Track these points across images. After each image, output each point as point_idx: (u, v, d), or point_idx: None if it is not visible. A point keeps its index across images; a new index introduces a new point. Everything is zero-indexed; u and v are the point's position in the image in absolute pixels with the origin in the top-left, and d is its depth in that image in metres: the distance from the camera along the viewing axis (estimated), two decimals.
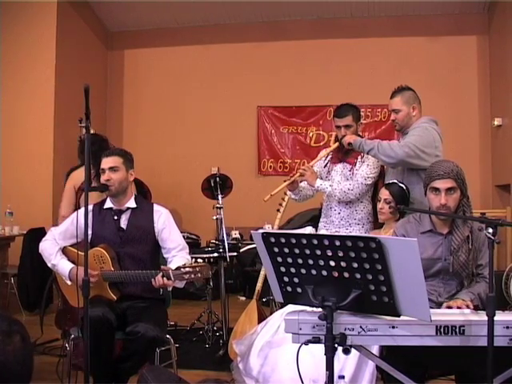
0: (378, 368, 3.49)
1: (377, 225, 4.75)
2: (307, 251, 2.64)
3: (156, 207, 4.31)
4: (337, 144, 4.95)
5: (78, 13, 9.12)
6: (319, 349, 2.63)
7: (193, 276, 3.77)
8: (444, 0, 8.76)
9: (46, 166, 8.19)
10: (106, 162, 4.18)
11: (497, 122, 8.26)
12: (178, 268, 3.79)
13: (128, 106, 10.23)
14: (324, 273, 2.65)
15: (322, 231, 4.94)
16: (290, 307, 3.11)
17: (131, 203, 4.24)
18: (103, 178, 4.16)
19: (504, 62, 7.91)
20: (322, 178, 5.03)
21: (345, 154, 4.97)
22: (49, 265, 4.22)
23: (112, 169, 4.16)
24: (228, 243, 6.10)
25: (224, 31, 9.80)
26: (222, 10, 9.41)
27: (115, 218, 4.20)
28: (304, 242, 2.63)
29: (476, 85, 9.07)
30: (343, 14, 9.31)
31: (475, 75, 9.08)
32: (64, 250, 4.22)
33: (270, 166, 9.70)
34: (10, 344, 1.54)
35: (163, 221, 4.22)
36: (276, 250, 2.71)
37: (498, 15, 8.35)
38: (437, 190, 3.48)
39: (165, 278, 3.80)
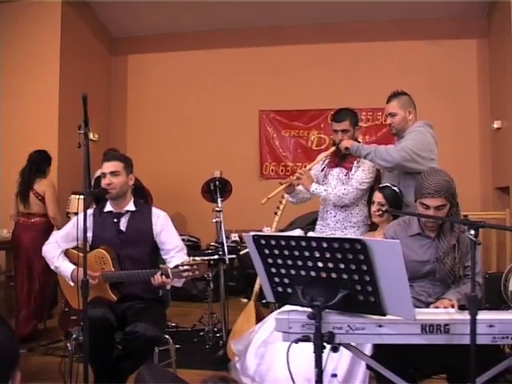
0: (371, 368, 3.57)
1: (373, 227, 4.83)
2: (296, 253, 2.73)
3: (154, 210, 4.42)
4: (334, 148, 5.04)
5: (82, 19, 9.22)
6: (312, 348, 2.72)
7: (191, 274, 3.89)
8: (444, 4, 8.80)
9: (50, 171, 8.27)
10: (108, 167, 4.29)
11: (496, 124, 8.32)
12: (176, 266, 3.91)
13: (131, 110, 10.31)
14: (313, 273, 2.74)
15: (317, 234, 5.03)
16: (288, 308, 3.20)
17: (130, 206, 4.35)
18: (104, 182, 4.26)
19: (503, 66, 7.97)
20: (319, 182, 5.11)
21: (341, 159, 5.06)
22: (52, 267, 4.33)
23: (113, 173, 4.26)
24: (227, 246, 6.21)
25: (226, 36, 9.86)
26: (225, 16, 9.48)
27: (115, 220, 4.31)
28: (293, 243, 2.72)
29: (476, 88, 9.12)
30: (344, 18, 9.34)
31: (475, 78, 9.13)
32: (66, 253, 4.33)
33: (272, 170, 9.78)
34: None
35: (161, 223, 4.33)
36: (267, 251, 2.80)
37: (497, 19, 8.41)
38: (427, 205, 3.52)
39: (163, 276, 3.91)
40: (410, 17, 9.21)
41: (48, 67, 8.51)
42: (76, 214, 6.13)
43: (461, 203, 3.69)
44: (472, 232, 2.70)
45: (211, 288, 6.46)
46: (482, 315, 2.72)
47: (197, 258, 3.97)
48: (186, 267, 3.88)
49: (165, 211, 4.47)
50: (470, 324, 2.63)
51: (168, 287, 4.19)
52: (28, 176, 6.58)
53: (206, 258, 5.94)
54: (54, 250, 4.31)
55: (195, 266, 3.88)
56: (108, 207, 4.37)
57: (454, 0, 8.64)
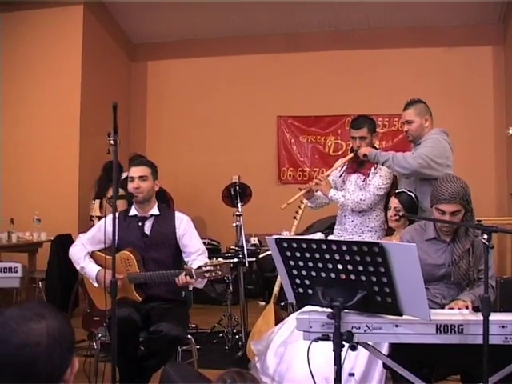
0: (387, 367, 3.67)
1: (390, 232, 4.93)
2: (317, 255, 2.86)
3: (177, 214, 4.57)
4: (352, 155, 5.15)
5: (103, 25, 9.37)
6: (331, 348, 2.84)
7: (213, 274, 4.03)
8: (460, 11, 8.87)
9: (72, 175, 8.43)
10: (136, 171, 4.44)
11: (511, 131, 8.36)
12: (200, 267, 4.05)
13: (151, 115, 10.44)
14: (332, 275, 2.87)
15: (335, 238, 5.14)
16: (308, 308, 3.32)
17: (155, 210, 4.50)
18: (132, 186, 4.41)
19: None
20: (337, 187, 5.22)
21: (359, 165, 5.16)
22: (77, 268, 4.48)
23: (141, 178, 4.42)
24: (247, 249, 6.34)
25: (244, 43, 9.98)
26: (242, 22, 9.59)
27: (140, 224, 4.46)
28: (314, 246, 2.85)
29: (491, 94, 9.16)
30: (360, 25, 9.44)
31: (490, 85, 9.17)
32: (92, 255, 4.48)
33: (290, 175, 9.86)
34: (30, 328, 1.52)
35: (184, 227, 4.48)
36: (288, 254, 2.94)
37: None
38: (442, 211, 3.64)
39: (187, 276, 4.05)
40: (425, 24, 9.27)
41: (70, 72, 8.68)
42: (99, 217, 6.34)
43: (476, 209, 3.80)
44: (485, 236, 2.82)
45: (231, 291, 6.59)
46: (495, 316, 2.83)
47: (220, 259, 4.10)
48: (209, 268, 4.02)
49: (187, 215, 4.62)
50: (483, 324, 2.74)
51: (190, 288, 4.33)
52: (104, 184, 7.30)
53: (226, 261, 6.10)
54: (80, 252, 4.47)
55: (218, 267, 4.02)
56: (133, 211, 4.52)
57: (470, 7, 8.72)
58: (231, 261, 6.14)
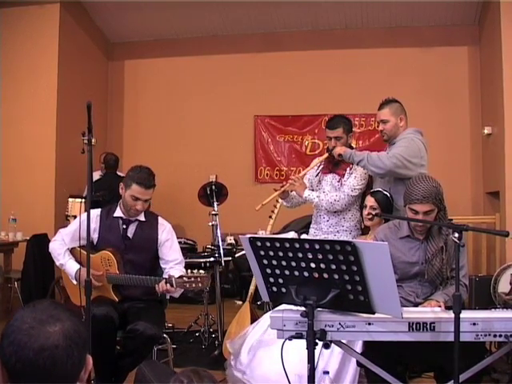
0: (361, 365, 3.69)
1: (366, 231, 4.96)
2: (290, 254, 2.87)
3: (160, 220, 4.57)
4: (327, 154, 5.17)
5: (80, 24, 9.33)
6: (304, 346, 2.86)
7: (193, 285, 4.05)
8: (436, 12, 8.94)
9: (48, 175, 8.38)
10: (145, 194, 4.35)
11: (487, 130, 8.38)
12: (181, 277, 4.06)
13: (128, 115, 10.42)
14: (305, 274, 2.88)
15: (310, 237, 5.16)
16: (282, 307, 3.33)
17: (141, 216, 4.47)
18: (136, 207, 4.34)
19: (494, 73, 8.07)
20: (313, 187, 5.24)
21: (335, 165, 5.18)
22: (57, 264, 4.45)
23: (147, 201, 4.40)
24: (223, 248, 6.36)
25: (222, 42, 9.98)
26: (220, 22, 9.61)
27: (124, 226, 4.44)
28: (287, 245, 2.87)
29: (467, 94, 9.23)
30: (338, 25, 9.48)
31: (466, 85, 9.24)
32: (72, 251, 4.44)
33: (267, 174, 9.87)
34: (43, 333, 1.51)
35: (166, 234, 4.49)
36: (262, 253, 2.95)
37: (488, 27, 8.53)
38: (416, 211, 3.66)
39: (168, 284, 4.05)
40: (402, 24, 9.33)
41: (46, 72, 8.63)
42: (75, 217, 6.31)
43: (452, 208, 3.82)
44: (456, 235, 2.84)
45: (207, 290, 6.59)
46: (466, 314, 2.87)
47: (201, 271, 4.12)
48: (189, 279, 4.04)
49: (168, 221, 4.63)
50: (454, 322, 2.77)
51: (167, 296, 4.35)
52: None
53: (202, 260, 6.13)
54: (60, 248, 4.42)
55: (199, 279, 4.04)
56: (118, 212, 4.47)
57: (446, 8, 8.79)
58: (207, 260, 6.18)
